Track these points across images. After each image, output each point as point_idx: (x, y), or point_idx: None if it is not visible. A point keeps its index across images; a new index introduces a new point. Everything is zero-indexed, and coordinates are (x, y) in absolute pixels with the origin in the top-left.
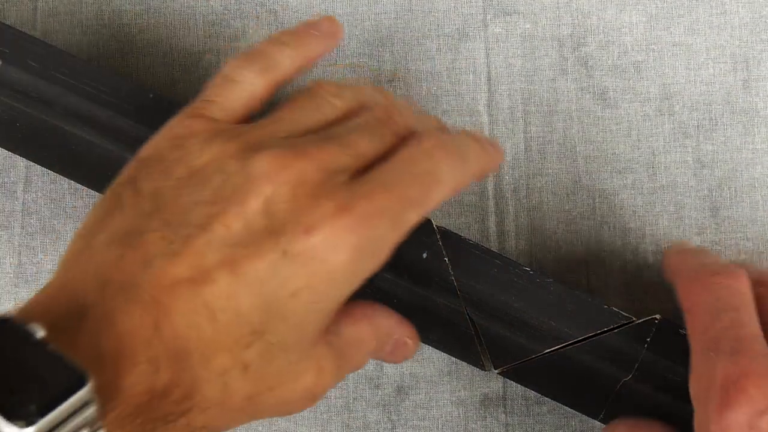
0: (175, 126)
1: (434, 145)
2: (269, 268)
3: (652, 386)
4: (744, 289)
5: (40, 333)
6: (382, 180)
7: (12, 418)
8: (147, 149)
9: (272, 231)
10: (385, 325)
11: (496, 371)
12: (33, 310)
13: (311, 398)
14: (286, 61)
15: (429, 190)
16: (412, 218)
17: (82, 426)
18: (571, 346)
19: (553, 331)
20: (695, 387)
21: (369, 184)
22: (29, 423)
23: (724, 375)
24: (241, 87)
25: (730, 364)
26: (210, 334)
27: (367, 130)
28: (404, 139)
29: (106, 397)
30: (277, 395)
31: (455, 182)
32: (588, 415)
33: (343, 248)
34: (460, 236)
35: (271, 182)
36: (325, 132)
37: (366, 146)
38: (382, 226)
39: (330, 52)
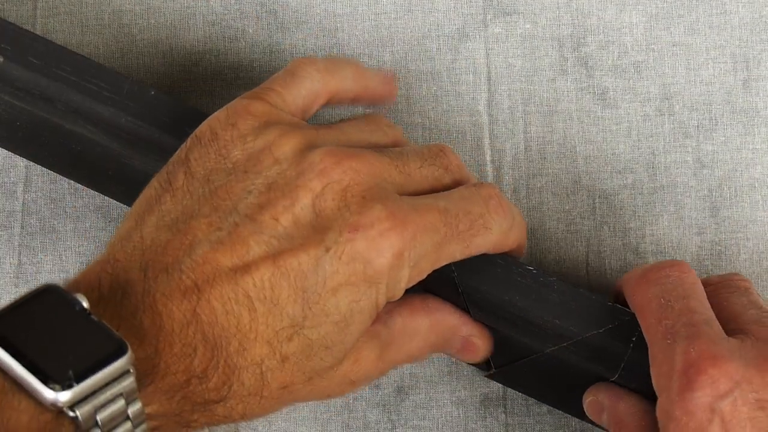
0: (234, 104)
1: (492, 195)
2: (311, 263)
3: (637, 385)
4: (690, 277)
5: (84, 303)
6: (435, 203)
7: (50, 381)
8: (202, 126)
9: (318, 227)
10: (447, 320)
11: (485, 374)
12: (79, 282)
13: (349, 384)
14: (349, 78)
15: (477, 232)
16: (455, 251)
17: (118, 395)
18: (568, 346)
19: (557, 329)
20: (657, 376)
21: (422, 201)
22: (66, 387)
23: (683, 359)
24: (304, 82)
25: (688, 348)
26: (248, 323)
27: (418, 156)
28: (458, 181)
29: (143, 371)
30: (315, 383)
31: (499, 239)
32: (576, 417)
33: (387, 252)
34: None
35: (323, 178)
36: (378, 149)
37: (416, 169)
38: (428, 242)
39: (383, 105)
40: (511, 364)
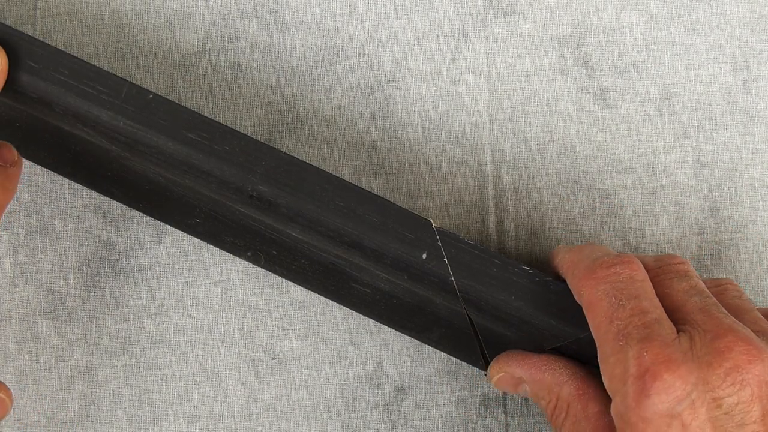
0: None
1: None
2: None
3: None
4: (640, 275)
5: None
6: None
7: None
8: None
9: None
10: None
11: (485, 374)
12: None
13: None
14: None
15: None
16: None
17: None
18: (570, 344)
19: (553, 329)
20: (610, 378)
21: None
22: None
23: (637, 363)
24: None
25: (641, 352)
26: None
27: None
28: None
29: None
30: None
31: None
32: None
33: None
34: (459, 236)
35: None
36: None
37: None
38: None
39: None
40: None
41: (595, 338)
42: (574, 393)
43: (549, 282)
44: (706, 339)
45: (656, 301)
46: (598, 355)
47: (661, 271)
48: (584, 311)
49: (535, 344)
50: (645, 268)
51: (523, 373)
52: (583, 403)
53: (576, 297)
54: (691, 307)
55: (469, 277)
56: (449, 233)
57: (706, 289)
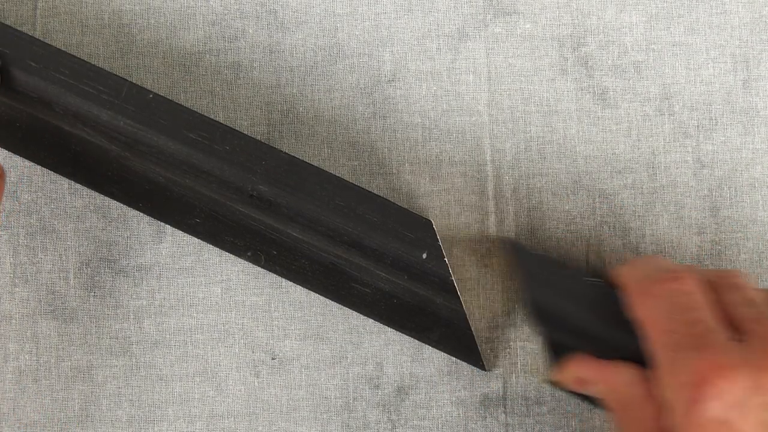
0: None
1: None
2: None
3: None
4: (692, 288)
5: None
6: None
7: None
8: None
9: None
10: None
11: (546, 383)
12: None
13: None
14: None
15: None
16: None
17: None
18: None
19: (617, 340)
20: (665, 388)
21: None
22: None
23: (691, 371)
24: None
25: (696, 360)
26: None
27: None
28: None
29: None
30: None
31: None
32: None
33: None
34: (524, 246)
35: None
36: None
37: None
38: None
39: None
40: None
41: (650, 351)
42: (641, 395)
43: (613, 293)
44: (759, 345)
45: (710, 312)
46: (654, 366)
47: (717, 284)
48: (640, 326)
49: (597, 354)
50: (701, 281)
51: (594, 377)
52: (649, 407)
53: (632, 312)
54: (745, 317)
55: (535, 288)
56: (514, 242)
57: (761, 300)
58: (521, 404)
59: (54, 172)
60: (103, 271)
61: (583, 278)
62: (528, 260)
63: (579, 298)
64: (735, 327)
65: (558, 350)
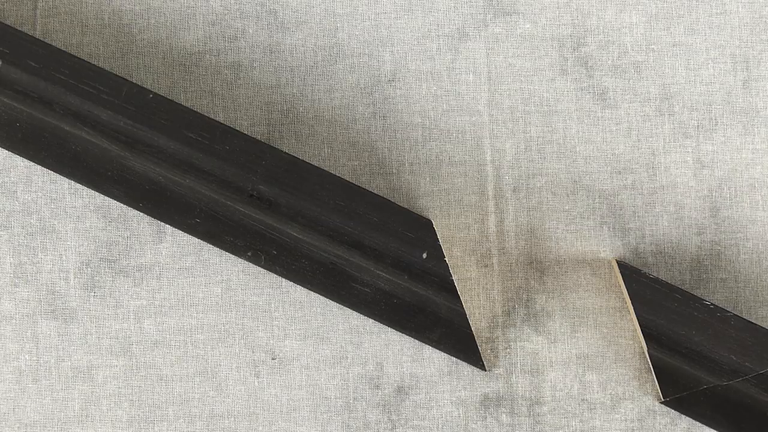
0: None
1: None
2: None
3: None
4: None
5: None
6: None
7: None
8: None
9: None
10: None
11: (664, 400)
12: None
13: None
14: None
15: None
16: None
17: None
18: (745, 380)
19: (733, 364)
20: None
21: None
22: None
23: None
24: None
25: None
26: None
27: None
28: None
29: None
30: None
31: None
32: None
33: None
34: (640, 271)
35: None
36: None
37: None
38: None
39: None
40: (680, 395)
41: None
42: None
43: (730, 317)
44: None
45: None
46: None
47: None
48: None
49: (713, 378)
50: None
51: None
52: None
53: None
54: None
55: (649, 312)
56: (631, 267)
57: None
58: (521, 404)
59: (54, 172)
60: (103, 271)
61: (694, 301)
62: (640, 283)
63: (691, 321)
64: None
65: (668, 372)
